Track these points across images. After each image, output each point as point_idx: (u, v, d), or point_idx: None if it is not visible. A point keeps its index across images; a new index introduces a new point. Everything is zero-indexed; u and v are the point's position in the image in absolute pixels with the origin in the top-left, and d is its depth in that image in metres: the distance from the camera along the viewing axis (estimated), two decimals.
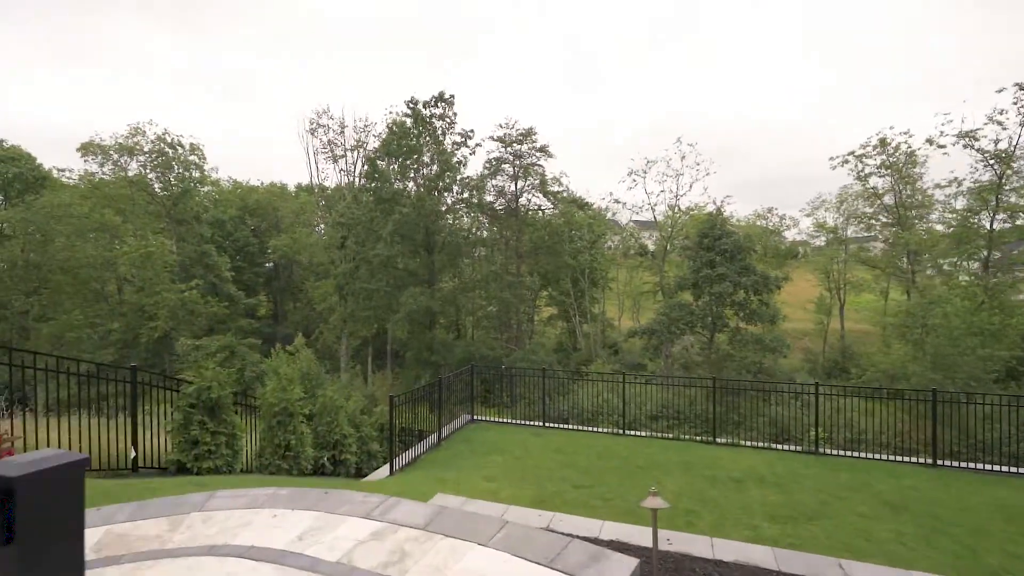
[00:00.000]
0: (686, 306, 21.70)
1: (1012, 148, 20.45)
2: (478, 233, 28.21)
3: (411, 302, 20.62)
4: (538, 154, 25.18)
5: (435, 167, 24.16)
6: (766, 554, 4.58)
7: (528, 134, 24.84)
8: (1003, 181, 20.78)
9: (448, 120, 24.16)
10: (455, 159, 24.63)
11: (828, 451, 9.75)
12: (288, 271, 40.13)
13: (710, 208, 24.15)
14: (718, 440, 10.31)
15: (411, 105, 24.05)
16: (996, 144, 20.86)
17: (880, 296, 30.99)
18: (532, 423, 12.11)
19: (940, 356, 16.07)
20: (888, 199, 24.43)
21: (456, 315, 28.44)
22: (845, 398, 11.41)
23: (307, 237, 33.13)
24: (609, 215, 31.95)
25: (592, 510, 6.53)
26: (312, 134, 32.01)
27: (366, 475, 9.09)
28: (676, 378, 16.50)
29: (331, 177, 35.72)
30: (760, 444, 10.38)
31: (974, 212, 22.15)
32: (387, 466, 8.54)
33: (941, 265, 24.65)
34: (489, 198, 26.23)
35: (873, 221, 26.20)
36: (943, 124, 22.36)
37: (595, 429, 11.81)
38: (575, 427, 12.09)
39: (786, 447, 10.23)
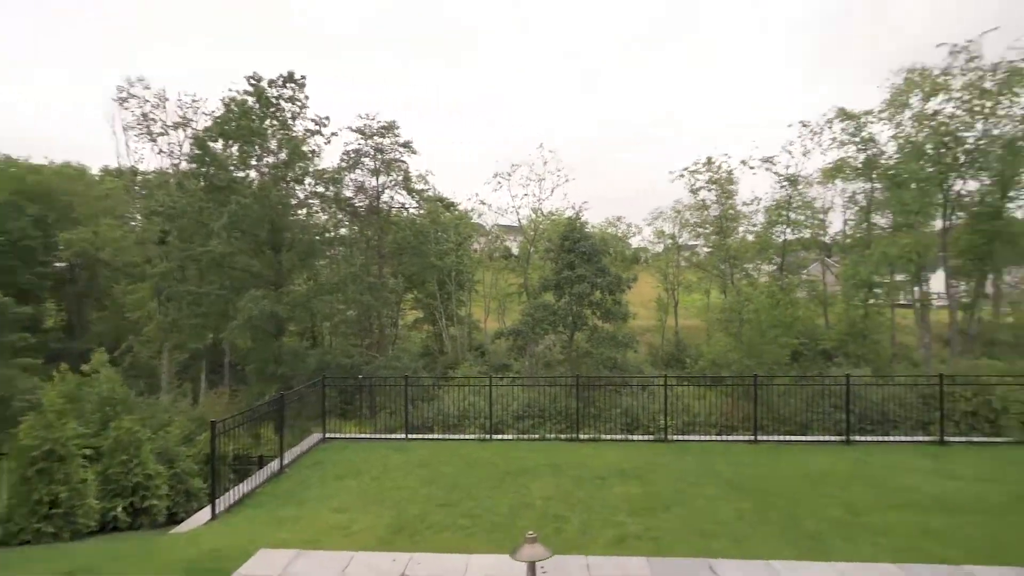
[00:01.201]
0: (549, 306, 22.46)
1: (797, 173, 25.38)
2: (336, 231, 25.91)
3: (252, 307, 17.87)
4: (401, 149, 24.00)
5: (283, 154, 21.45)
6: (642, 567, 4.42)
7: (390, 127, 23.52)
8: (791, 200, 25.65)
9: (299, 104, 21.66)
10: (307, 147, 22.18)
11: (674, 437, 10.55)
12: (90, 272, 32.46)
13: (570, 213, 25.55)
14: (581, 436, 10.53)
15: (253, 82, 21.03)
16: (787, 169, 25.68)
17: (705, 295, 35.87)
18: (394, 436, 11.17)
19: (752, 345, 18.96)
20: (713, 211, 28.60)
21: (311, 321, 25.75)
22: (690, 387, 12.65)
23: (114, 230, 27.05)
24: (475, 217, 31.98)
25: (459, 534, 5.96)
26: (121, 104, 26.33)
27: (182, 521, 7.31)
28: (541, 377, 16.87)
29: (148, 160, 29.79)
30: (618, 436, 10.88)
31: (772, 224, 26.94)
32: (209, 508, 6.94)
33: (748, 269, 29.46)
34: (348, 193, 24.24)
35: (701, 229, 30.38)
36: (753, 150, 26.69)
37: (462, 436, 11.30)
38: (441, 436, 11.45)
39: (640, 437, 10.87)
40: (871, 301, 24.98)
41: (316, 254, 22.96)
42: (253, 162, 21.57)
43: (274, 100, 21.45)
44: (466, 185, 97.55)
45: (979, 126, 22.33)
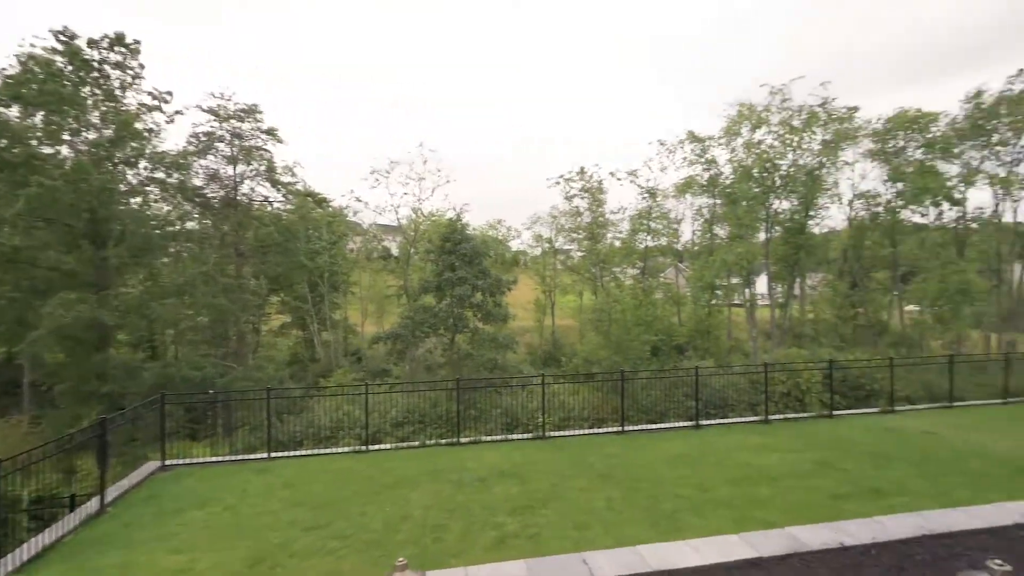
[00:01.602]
0: (430, 309, 22.06)
1: (655, 186, 28.39)
2: (182, 224, 22.48)
3: (62, 313, 14.50)
4: (264, 136, 21.67)
5: (109, 131, 17.87)
6: (520, 571, 4.39)
7: (251, 111, 21.10)
8: (651, 211, 28.60)
9: (131, 72, 18.22)
10: (142, 124, 18.78)
11: (551, 433, 10.96)
12: None
13: (451, 214, 25.42)
14: (462, 440, 10.41)
15: (64, 39, 17.13)
16: (648, 182, 28.56)
17: (578, 296, 38.28)
18: (255, 456, 9.94)
19: (619, 342, 20.63)
20: (586, 217, 30.75)
21: (148, 329, 21.97)
22: (565, 384, 13.25)
23: None
24: (351, 215, 30.19)
25: (328, 559, 5.43)
26: None
27: None
28: (421, 382, 16.40)
29: None
30: (498, 437, 10.96)
31: (635, 232, 29.77)
32: None
33: (616, 272, 32.16)
34: (198, 182, 21.17)
35: (575, 235, 32.48)
36: (619, 163, 29.11)
37: (335, 449, 10.47)
38: (311, 451, 10.48)
39: (519, 436, 11.08)
40: (713, 302, 28.81)
41: (155, 250, 19.63)
42: (66, 136, 17.67)
43: (96, 64, 17.81)
44: (342, 181, 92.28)
45: (790, 156, 27.09)
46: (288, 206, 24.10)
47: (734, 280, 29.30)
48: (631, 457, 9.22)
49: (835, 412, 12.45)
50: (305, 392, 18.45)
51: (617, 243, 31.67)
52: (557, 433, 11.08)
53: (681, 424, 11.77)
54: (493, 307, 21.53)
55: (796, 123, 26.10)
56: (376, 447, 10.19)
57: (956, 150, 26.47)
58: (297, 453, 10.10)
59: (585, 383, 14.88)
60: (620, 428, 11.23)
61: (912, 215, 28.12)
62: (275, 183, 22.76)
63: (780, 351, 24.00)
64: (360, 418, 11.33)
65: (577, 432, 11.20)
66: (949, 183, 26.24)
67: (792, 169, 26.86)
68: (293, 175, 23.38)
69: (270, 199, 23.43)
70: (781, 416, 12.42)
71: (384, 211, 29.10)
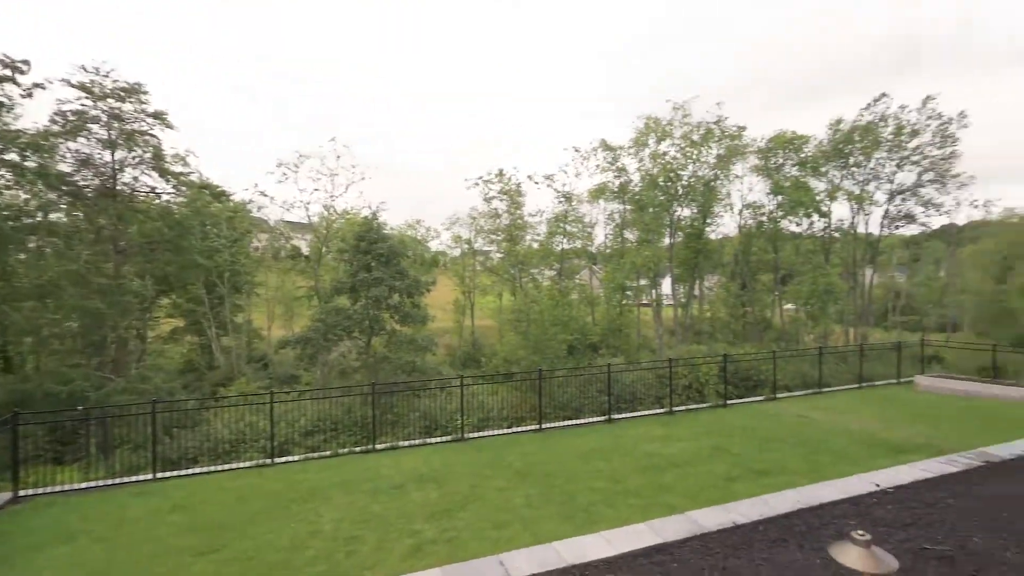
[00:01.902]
0: (343, 311, 21.08)
1: (571, 191, 29.49)
2: (45, 216, 19.38)
3: None
4: (150, 120, 19.33)
5: None
6: None
7: (134, 90, 18.72)
8: (567, 214, 29.65)
9: None
10: None
11: (471, 435, 10.94)
12: None
13: (367, 212, 24.46)
14: (378, 446, 10.06)
15: None
16: (564, 187, 29.57)
17: (498, 297, 38.68)
18: (138, 478, 8.86)
19: (537, 342, 21.11)
20: (505, 219, 31.14)
21: (0, 336, 18.71)
22: (484, 384, 13.27)
23: None
24: (255, 210, 27.96)
25: None
26: None
27: None
28: (333, 388, 15.61)
29: None
30: (416, 441, 10.73)
31: (552, 234, 30.69)
32: None
33: (534, 274, 32.93)
34: (66, 168, 18.39)
35: (494, 236, 32.77)
36: (537, 167, 29.76)
37: (236, 465, 9.62)
38: (207, 468, 9.53)
39: (438, 439, 10.93)
40: (624, 302, 30.50)
41: (6, 245, 16.77)
42: None
43: None
44: (247, 175, 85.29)
45: (690, 168, 29.46)
46: (180, 198, 21.72)
47: (642, 282, 31.24)
48: (548, 454, 9.46)
49: (729, 401, 13.70)
50: (200, 403, 16.78)
51: (535, 245, 32.45)
52: (476, 434, 11.08)
53: (595, 419, 12.29)
54: (411, 308, 21.07)
55: (695, 138, 28.45)
56: (283, 460, 9.53)
57: (823, 169, 30.39)
58: (190, 472, 9.14)
59: (504, 383, 15.03)
60: (538, 426, 11.49)
61: (790, 225, 31.81)
62: (164, 172, 20.39)
63: (683, 347, 25.99)
64: (265, 429, 10.53)
65: (496, 432, 11.27)
66: (818, 198, 30.04)
67: (692, 180, 29.23)
68: (186, 164, 21.11)
69: (157, 190, 20.97)
70: (684, 407, 13.43)
71: (292, 207, 27.30)
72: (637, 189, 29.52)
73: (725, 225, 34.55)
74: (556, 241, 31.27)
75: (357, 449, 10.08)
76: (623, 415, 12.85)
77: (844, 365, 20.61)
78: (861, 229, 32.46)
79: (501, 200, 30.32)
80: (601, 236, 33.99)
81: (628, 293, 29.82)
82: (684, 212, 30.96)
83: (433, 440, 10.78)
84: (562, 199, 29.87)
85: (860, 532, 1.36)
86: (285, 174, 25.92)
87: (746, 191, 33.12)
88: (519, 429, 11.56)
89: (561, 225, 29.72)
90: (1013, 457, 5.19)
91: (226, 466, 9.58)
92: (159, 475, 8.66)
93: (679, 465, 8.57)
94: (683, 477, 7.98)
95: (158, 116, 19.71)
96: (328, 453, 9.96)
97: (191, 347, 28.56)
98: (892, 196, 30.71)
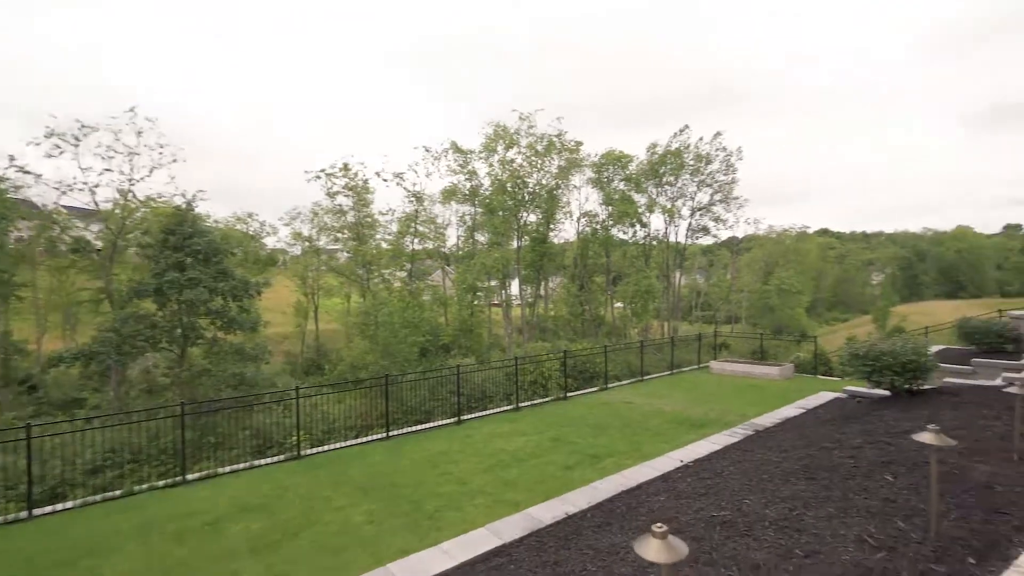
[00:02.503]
0: (147, 317, 17.63)
1: (422, 191, 29.06)
2: None
3: None
4: None
5: None
6: None
7: None
8: (418, 214, 29.15)
9: None
10: None
11: (309, 451, 10.01)
12: None
13: (180, 201, 20.66)
14: (189, 477, 8.58)
15: None
16: (414, 186, 28.98)
17: (345, 299, 36.35)
18: None
19: (387, 346, 20.31)
20: (351, 216, 29.22)
21: None
22: (328, 394, 12.23)
23: None
24: (10, 190, 21.56)
25: None
26: None
27: None
28: (132, 411, 12.88)
29: None
30: (242, 465, 9.42)
31: (403, 234, 29.87)
32: None
33: (385, 274, 31.71)
34: None
35: (339, 235, 30.58)
36: (384, 163, 28.72)
37: None
38: None
39: (271, 459, 9.76)
40: (476, 302, 31.13)
41: None
42: None
43: None
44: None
45: (536, 176, 31.36)
46: None
47: (493, 283, 32.28)
48: (396, 463, 9.11)
49: (569, 394, 14.84)
50: None
51: (385, 245, 31.25)
52: (316, 450, 10.17)
53: (445, 421, 12.25)
54: (238, 313, 18.54)
55: (540, 148, 30.39)
56: (48, 510, 7.52)
57: (644, 185, 35.03)
58: None
59: (349, 390, 14.10)
60: (386, 434, 11.03)
61: (619, 233, 35.96)
62: None
63: (530, 345, 27.50)
64: (22, 472, 8.19)
65: (341, 444, 10.50)
66: (640, 210, 34.52)
67: (537, 187, 31.16)
68: None
69: None
70: (529, 403, 14.16)
71: (72, 189, 21.87)
72: (487, 193, 30.41)
73: (566, 231, 37.71)
74: (407, 241, 30.51)
75: (161, 483, 8.45)
76: (473, 415, 13.04)
77: (660, 355, 23.97)
78: (672, 238, 38.27)
79: (347, 196, 28.41)
80: (453, 237, 34.24)
81: (479, 294, 30.51)
82: (531, 217, 32.85)
83: (264, 461, 9.58)
84: (412, 199, 29.27)
85: (659, 525, 1.47)
86: (58, 146, 20.62)
87: (583, 200, 36.53)
88: (365, 439, 10.94)
89: (412, 225, 29.07)
90: (774, 424, 6.53)
91: None
92: None
93: (523, 459, 8.97)
94: (527, 471, 8.36)
95: None
96: (120, 493, 8.16)
97: None
98: (693, 212, 36.81)
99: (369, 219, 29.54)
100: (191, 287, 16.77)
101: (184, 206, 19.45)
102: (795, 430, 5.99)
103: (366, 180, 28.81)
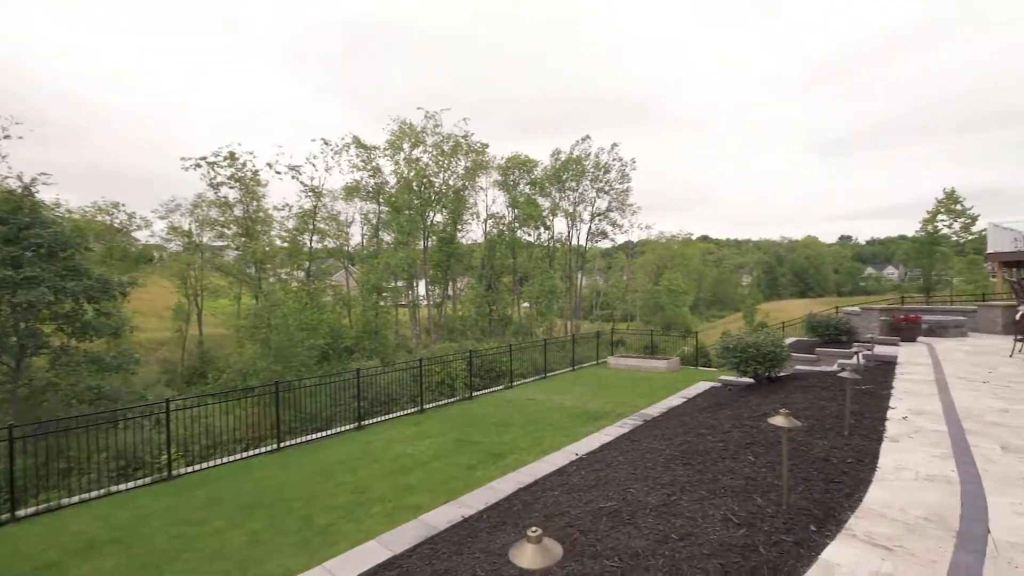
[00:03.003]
0: None
1: (320, 186, 27.33)
2: None
3: None
4: None
5: None
6: None
7: None
8: (316, 210, 27.37)
9: None
10: None
11: (184, 470, 8.95)
12: None
13: (14, 185, 17.22)
14: (20, 513, 7.23)
15: None
16: (312, 180, 27.16)
17: (235, 301, 33.18)
18: None
19: (281, 350, 18.81)
20: (238, 211, 26.48)
21: None
22: (211, 405, 10.97)
23: None
24: None
25: None
26: None
27: None
28: None
29: None
30: (96, 493, 8.15)
31: (300, 232, 27.88)
32: None
33: (280, 273, 29.39)
34: None
35: (226, 230, 27.62)
36: (278, 155, 26.55)
37: None
38: None
39: (134, 483, 8.56)
40: (381, 303, 30.05)
41: None
42: None
43: None
44: None
45: (442, 176, 31.06)
46: None
47: (399, 283, 31.39)
48: (287, 475, 8.47)
49: (475, 393, 14.84)
50: None
51: (279, 242, 28.89)
52: (191, 468, 9.11)
53: (345, 428, 11.63)
54: (95, 317, 16.06)
55: (446, 148, 30.13)
56: None
57: (548, 189, 36.26)
58: None
59: (234, 400, 12.80)
60: (276, 445, 10.21)
61: (524, 235, 36.84)
62: None
63: (438, 345, 27.12)
64: None
65: (223, 460, 9.51)
66: (544, 213, 35.66)
67: (444, 187, 30.87)
68: None
69: None
70: (435, 404, 13.93)
71: None
72: (393, 191, 29.47)
73: (474, 232, 37.75)
74: (306, 239, 28.44)
75: None
76: (377, 419, 12.52)
77: (563, 352, 24.90)
78: (574, 241, 40.05)
79: (232, 187, 25.69)
80: (358, 236, 32.67)
81: (385, 295, 29.49)
82: (438, 217, 32.44)
83: (124, 486, 8.37)
84: (310, 193, 27.32)
85: (534, 529, 1.46)
86: None
87: (491, 202, 36.82)
88: (255, 452, 10.02)
89: (311, 222, 27.15)
90: (660, 414, 7.05)
91: None
92: None
93: (426, 462, 8.79)
94: (430, 474, 8.20)
95: None
96: None
97: None
98: (593, 216, 38.84)
99: (262, 214, 27.12)
100: (28, 287, 14.16)
101: (20, 191, 16.41)
102: (677, 418, 6.51)
103: (256, 171, 26.41)
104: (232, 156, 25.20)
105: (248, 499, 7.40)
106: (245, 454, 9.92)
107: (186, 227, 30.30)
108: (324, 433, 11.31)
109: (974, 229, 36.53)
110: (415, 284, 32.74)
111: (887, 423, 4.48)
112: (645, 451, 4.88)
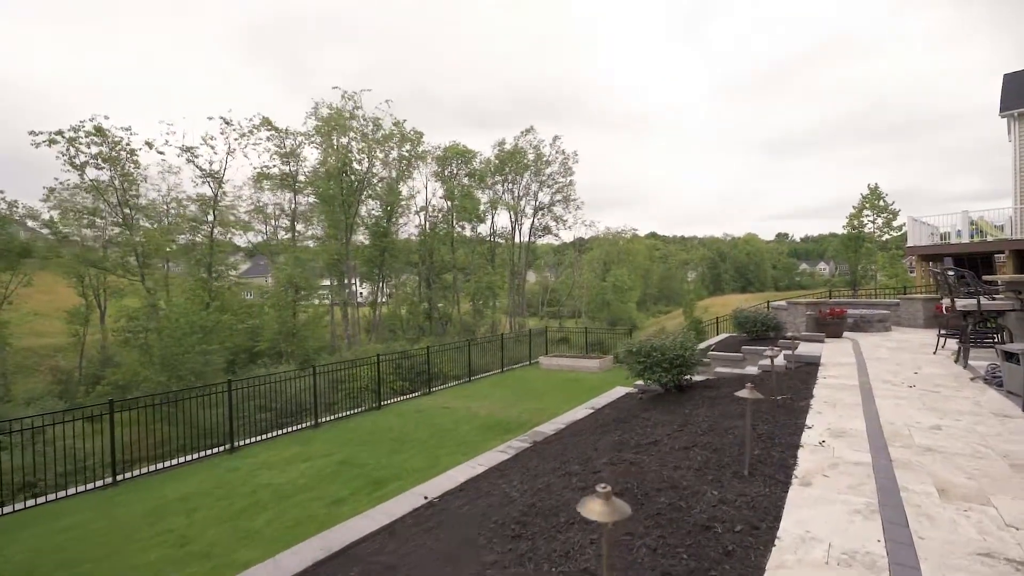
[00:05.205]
0: None
1: (222, 171, 24.27)
2: None
3: None
4: None
5: None
6: None
7: None
8: (218, 198, 24.38)
9: None
10: None
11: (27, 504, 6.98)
12: None
13: None
14: None
15: None
16: (211, 164, 24.03)
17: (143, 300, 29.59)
18: None
19: (167, 357, 16.40)
20: (113, 197, 22.84)
21: None
22: (64, 424, 8.59)
23: None
24: None
25: None
26: None
27: None
28: None
29: None
30: None
31: (199, 223, 24.71)
32: None
33: (173, 268, 26.10)
34: None
35: (99, 220, 23.87)
36: (168, 133, 23.33)
37: None
38: None
39: None
40: (302, 302, 27.63)
41: None
42: None
43: None
44: None
45: (376, 165, 29.01)
46: None
47: (326, 280, 29.08)
48: (105, 521, 6.76)
49: (385, 402, 13.30)
50: None
51: (183, 236, 25.62)
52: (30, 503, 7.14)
53: (210, 452, 9.82)
54: None
55: (378, 136, 28.10)
56: None
57: (489, 182, 34.88)
58: None
59: (60, 423, 10.55)
60: (112, 479, 8.33)
61: (463, 230, 35.29)
62: None
63: (365, 347, 25.19)
64: None
65: (19, 507, 7.54)
66: (483, 207, 34.26)
67: (370, 176, 28.81)
68: None
69: None
70: (334, 416, 12.27)
71: None
72: (313, 179, 27.10)
73: (411, 226, 35.61)
74: (206, 231, 25.11)
75: None
76: (258, 438, 10.72)
77: (499, 352, 23.63)
78: (517, 237, 38.89)
79: (100, 168, 22.15)
80: (274, 228, 29.70)
81: (303, 292, 27.10)
82: (371, 210, 30.32)
83: None
84: (207, 178, 24.10)
85: (603, 485, 1.26)
86: None
87: (430, 195, 34.88)
88: (76, 490, 8.07)
89: (211, 212, 24.01)
90: (554, 432, 5.89)
91: None
92: None
93: (288, 496, 7.26)
94: (283, 512, 6.69)
95: None
96: None
97: None
98: (536, 211, 37.80)
99: (146, 202, 23.58)
100: None
101: None
102: (569, 439, 5.36)
103: (133, 150, 22.71)
104: (99, 130, 21.67)
105: (24, 560, 5.63)
106: (62, 493, 7.95)
107: (46, 216, 26.02)
108: (182, 459, 9.44)
109: (895, 224, 38.37)
110: (349, 281, 30.49)
111: (800, 451, 3.45)
112: (496, 501, 3.63)
